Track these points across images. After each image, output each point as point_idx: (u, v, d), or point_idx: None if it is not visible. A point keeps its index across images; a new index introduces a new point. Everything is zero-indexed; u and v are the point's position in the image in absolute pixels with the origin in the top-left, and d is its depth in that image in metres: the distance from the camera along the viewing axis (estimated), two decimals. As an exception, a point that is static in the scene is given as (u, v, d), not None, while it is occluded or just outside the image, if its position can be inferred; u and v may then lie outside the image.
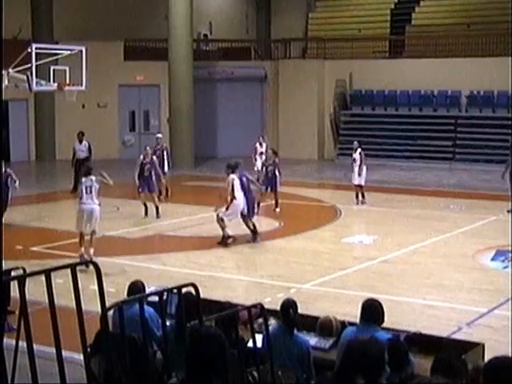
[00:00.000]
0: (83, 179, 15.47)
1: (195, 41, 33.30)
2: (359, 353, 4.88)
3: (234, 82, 35.15)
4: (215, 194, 20.38)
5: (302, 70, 34.60)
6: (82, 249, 15.13)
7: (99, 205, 15.50)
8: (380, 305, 7.32)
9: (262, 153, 25.36)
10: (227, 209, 17.35)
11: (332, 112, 34.83)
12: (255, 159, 25.32)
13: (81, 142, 25.20)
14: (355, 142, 23.41)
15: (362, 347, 4.93)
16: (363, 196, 22.59)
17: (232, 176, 17.56)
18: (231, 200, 17.38)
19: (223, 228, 17.43)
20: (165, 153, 23.38)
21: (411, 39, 35.54)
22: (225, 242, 17.40)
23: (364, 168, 22.46)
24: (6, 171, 18.25)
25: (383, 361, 5.01)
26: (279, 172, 21.52)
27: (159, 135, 24.53)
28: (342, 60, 34.65)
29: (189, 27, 30.98)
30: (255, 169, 25.19)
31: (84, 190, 15.34)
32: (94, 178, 15.47)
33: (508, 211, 20.59)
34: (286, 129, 34.59)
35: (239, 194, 17.48)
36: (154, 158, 21.27)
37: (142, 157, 20.97)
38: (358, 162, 22.42)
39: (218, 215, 17.37)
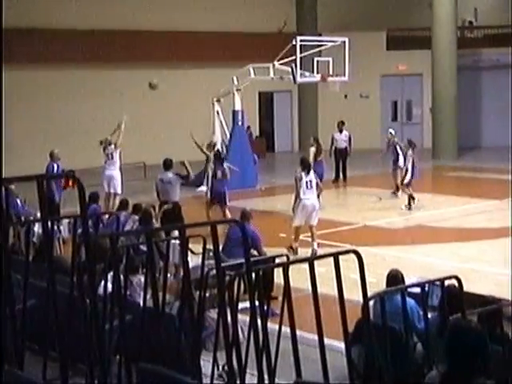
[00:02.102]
0: (302, 173, 15.39)
1: (459, 28, 32.58)
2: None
3: (499, 69, 34.00)
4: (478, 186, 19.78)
5: None
6: (297, 243, 15.26)
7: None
8: None
9: None
10: None
11: None
12: None
13: (341, 131, 25.24)
14: None
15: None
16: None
17: None
18: None
19: None
20: (398, 148, 21.58)
21: None
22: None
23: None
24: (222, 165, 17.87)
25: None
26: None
27: (391, 130, 22.90)
28: None
29: (453, 15, 30.38)
30: None
31: (305, 186, 15.42)
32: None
33: None
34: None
35: None
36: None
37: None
38: None
39: None
